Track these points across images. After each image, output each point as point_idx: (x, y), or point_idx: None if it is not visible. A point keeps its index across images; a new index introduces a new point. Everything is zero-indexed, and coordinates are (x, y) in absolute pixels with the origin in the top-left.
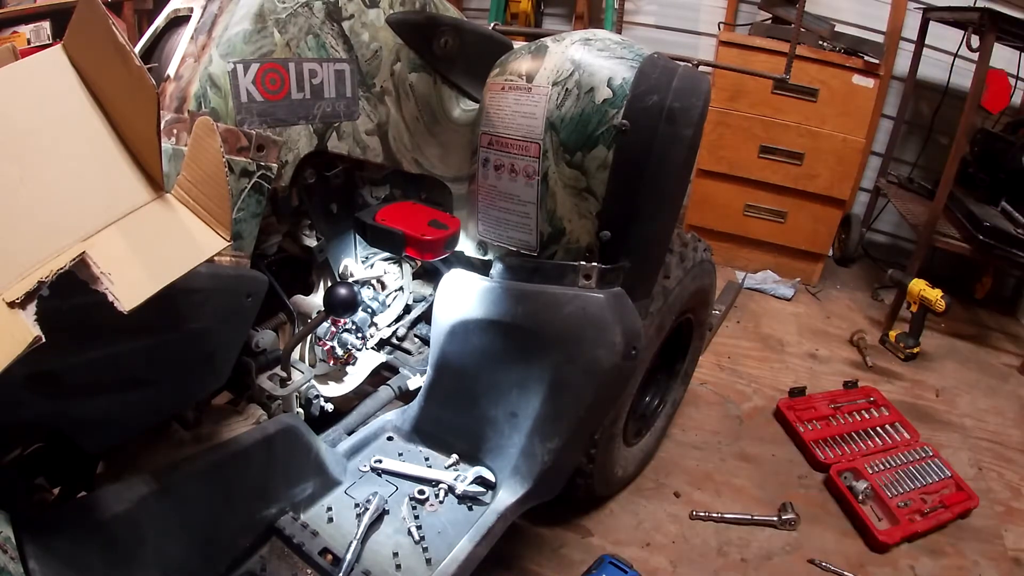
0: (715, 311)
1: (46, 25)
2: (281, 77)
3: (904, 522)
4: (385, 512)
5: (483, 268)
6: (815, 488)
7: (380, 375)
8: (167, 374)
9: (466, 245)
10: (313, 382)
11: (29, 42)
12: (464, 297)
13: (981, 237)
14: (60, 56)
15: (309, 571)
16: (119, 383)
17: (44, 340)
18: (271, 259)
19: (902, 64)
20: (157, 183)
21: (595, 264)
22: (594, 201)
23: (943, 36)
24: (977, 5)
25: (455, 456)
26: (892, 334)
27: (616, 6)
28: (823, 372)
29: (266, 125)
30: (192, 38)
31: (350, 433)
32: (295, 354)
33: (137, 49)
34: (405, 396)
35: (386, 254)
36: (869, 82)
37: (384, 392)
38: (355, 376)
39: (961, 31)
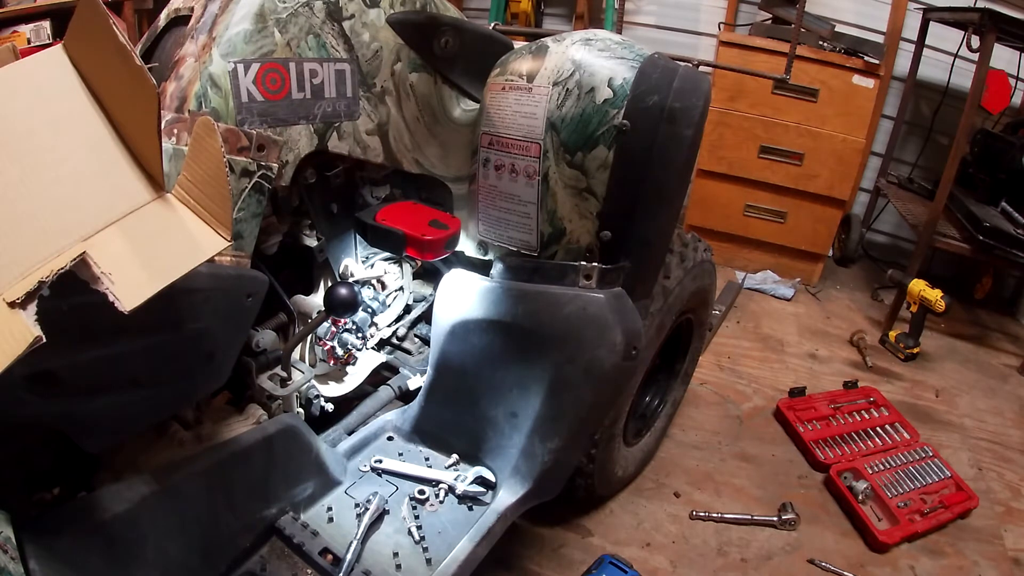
0: (715, 311)
1: (46, 25)
2: (282, 77)
3: (904, 522)
4: (385, 512)
5: (483, 268)
6: (815, 488)
7: (380, 375)
8: (167, 374)
9: (466, 245)
10: (313, 382)
11: (29, 42)
12: (464, 297)
13: (981, 237)
14: (60, 56)
15: (309, 571)
16: (119, 383)
17: (44, 340)
18: (271, 259)
19: (902, 64)
20: (158, 183)
21: (595, 264)
22: (594, 201)
23: (943, 36)
24: (977, 5)
25: (455, 456)
26: (892, 334)
27: (616, 6)
28: (823, 372)
29: (267, 125)
30: (192, 38)
31: (350, 433)
32: (295, 354)
33: (137, 49)
34: (405, 396)
35: (386, 254)
36: (869, 82)
37: (384, 392)
38: (355, 376)
39: (961, 31)
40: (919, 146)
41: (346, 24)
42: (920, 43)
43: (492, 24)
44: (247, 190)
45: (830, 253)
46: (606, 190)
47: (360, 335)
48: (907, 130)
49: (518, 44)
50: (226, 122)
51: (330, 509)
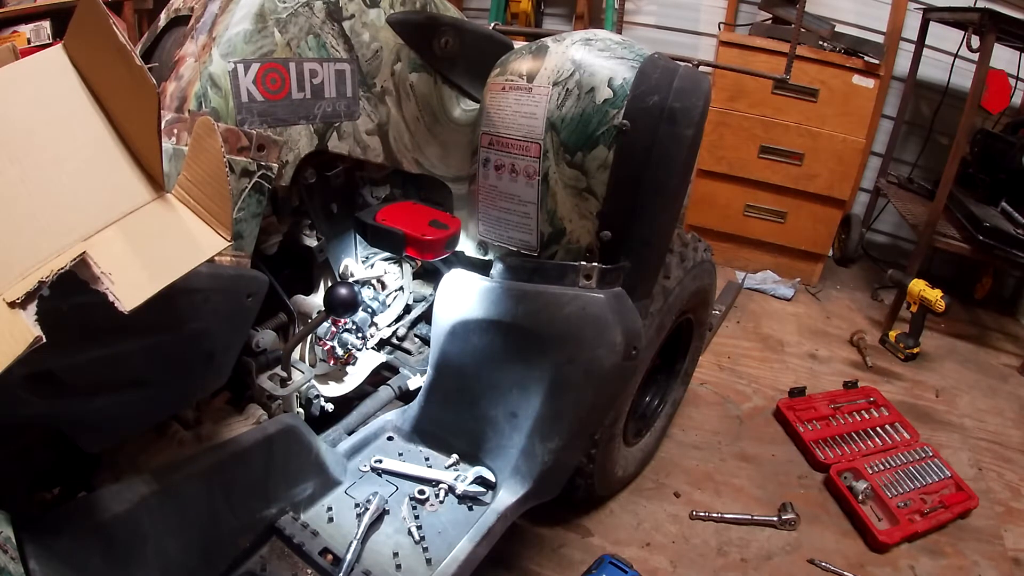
0: (715, 311)
1: (46, 25)
2: (282, 77)
3: (904, 522)
4: (385, 512)
5: (483, 268)
6: (815, 488)
7: (380, 375)
8: (167, 374)
9: (466, 245)
10: (313, 382)
11: (29, 42)
12: (464, 297)
13: (981, 237)
14: (60, 56)
15: (309, 571)
16: (119, 383)
17: (44, 340)
18: (271, 259)
19: (902, 64)
20: (158, 183)
21: (595, 264)
22: (594, 201)
23: (943, 36)
24: (977, 5)
25: (455, 456)
26: (892, 334)
27: (616, 6)
28: (823, 372)
29: (267, 125)
30: (192, 38)
31: (350, 433)
32: (295, 354)
33: (137, 49)
34: (405, 396)
35: (386, 254)
36: (869, 82)
37: (384, 392)
38: (355, 376)
39: (961, 31)
40: (919, 146)
41: (346, 24)
42: (920, 43)
43: (492, 24)
44: (247, 190)
45: (830, 253)
46: (606, 190)
47: (360, 335)
48: (907, 130)
49: (518, 44)
50: (226, 122)
51: (330, 509)
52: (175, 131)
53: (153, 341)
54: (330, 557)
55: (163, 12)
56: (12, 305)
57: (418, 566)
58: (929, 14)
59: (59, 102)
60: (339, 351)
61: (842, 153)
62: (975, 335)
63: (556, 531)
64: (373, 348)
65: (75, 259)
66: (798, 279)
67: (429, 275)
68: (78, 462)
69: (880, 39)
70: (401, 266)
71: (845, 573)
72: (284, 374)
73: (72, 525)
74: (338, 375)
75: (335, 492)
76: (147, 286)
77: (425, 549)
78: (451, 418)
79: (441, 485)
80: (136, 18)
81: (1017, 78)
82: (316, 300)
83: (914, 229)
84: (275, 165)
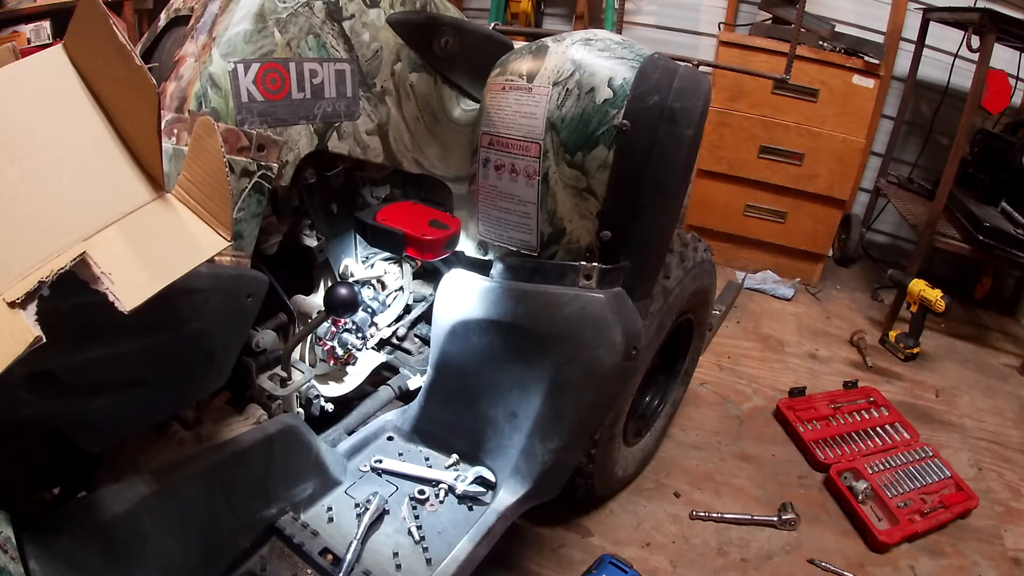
0: (715, 311)
1: (46, 25)
2: (282, 77)
3: (904, 522)
4: (385, 512)
5: (483, 268)
6: (815, 488)
7: (380, 375)
8: (167, 374)
9: (466, 245)
10: (313, 382)
11: (29, 42)
12: (464, 297)
13: (981, 237)
14: (60, 56)
15: (309, 571)
16: (119, 383)
17: (44, 340)
18: (271, 259)
19: (902, 64)
20: (158, 183)
21: (595, 264)
22: (594, 201)
23: (943, 36)
24: (977, 5)
25: (455, 456)
26: (892, 334)
27: (616, 6)
28: (823, 372)
29: (267, 125)
30: (192, 38)
31: (350, 433)
32: (295, 354)
33: (137, 49)
34: (405, 396)
35: (386, 254)
36: (869, 82)
37: (384, 392)
38: (355, 376)
39: (961, 31)
40: (919, 146)
41: (346, 24)
42: (920, 43)
43: (492, 24)
44: (247, 190)
45: (830, 253)
46: (606, 190)
47: (360, 335)
48: (907, 130)
49: (518, 44)
50: (226, 122)
51: (330, 509)
52: (175, 131)
53: (153, 341)
54: (330, 557)
55: (163, 12)
56: (12, 305)
57: (418, 566)
58: (929, 14)
59: (59, 102)
60: (339, 351)
61: (842, 153)
62: (975, 335)
63: (556, 531)
64: (373, 348)
65: (75, 259)
66: (798, 279)
67: (429, 275)
68: (78, 462)
69: (880, 39)
70: (401, 266)
71: (845, 573)
72: (284, 374)
73: (72, 525)
74: (338, 375)
75: (335, 492)
76: (147, 286)
77: (425, 549)
78: (451, 418)
79: (441, 485)
80: (136, 18)
81: (1017, 78)
82: (316, 300)
83: (914, 229)
84: (275, 165)
